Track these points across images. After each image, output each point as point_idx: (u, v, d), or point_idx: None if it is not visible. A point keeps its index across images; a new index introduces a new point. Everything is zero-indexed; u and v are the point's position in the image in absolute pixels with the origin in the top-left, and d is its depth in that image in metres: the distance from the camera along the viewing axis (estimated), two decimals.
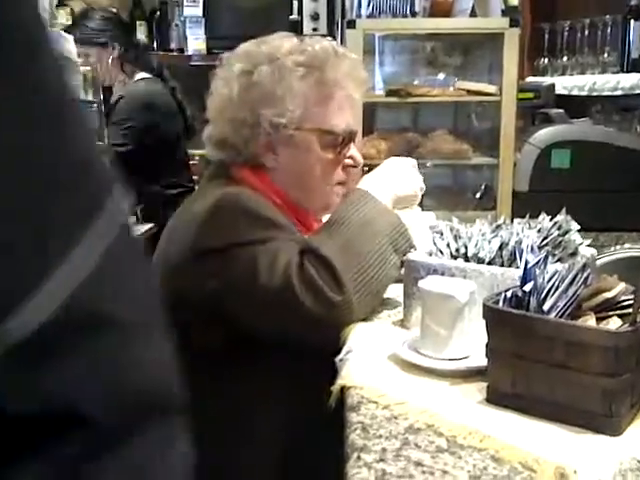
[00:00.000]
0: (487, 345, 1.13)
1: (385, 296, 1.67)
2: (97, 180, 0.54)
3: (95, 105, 2.84)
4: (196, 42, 4.74)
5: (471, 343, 1.28)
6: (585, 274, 1.14)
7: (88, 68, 2.71)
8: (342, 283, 1.44)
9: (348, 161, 1.74)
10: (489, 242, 1.43)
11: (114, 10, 3.82)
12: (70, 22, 3.79)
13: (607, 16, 3.83)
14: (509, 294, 1.13)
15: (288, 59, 1.64)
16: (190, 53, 4.77)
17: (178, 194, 3.65)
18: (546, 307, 1.10)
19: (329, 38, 1.74)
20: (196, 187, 3.79)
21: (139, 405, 0.55)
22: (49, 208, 0.49)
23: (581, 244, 1.48)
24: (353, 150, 1.75)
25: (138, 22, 4.81)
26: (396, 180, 1.66)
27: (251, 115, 1.63)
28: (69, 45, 2.46)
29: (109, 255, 0.51)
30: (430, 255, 1.49)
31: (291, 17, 4.70)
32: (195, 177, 3.98)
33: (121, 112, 3.52)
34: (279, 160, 1.67)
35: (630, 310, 1.06)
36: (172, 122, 3.71)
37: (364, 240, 1.52)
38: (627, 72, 3.76)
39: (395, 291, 1.69)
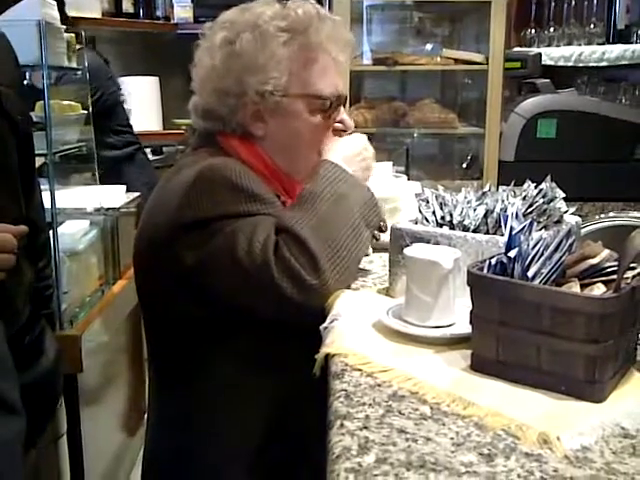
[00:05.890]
0: (472, 312, 1.13)
1: (370, 265, 1.66)
2: None
3: (79, 72, 2.80)
4: (183, 10, 4.70)
5: (456, 310, 1.28)
6: (570, 241, 1.14)
7: (72, 35, 2.67)
8: (319, 265, 1.41)
9: (338, 125, 1.72)
10: (474, 210, 1.43)
11: None
12: None
13: None
14: (494, 261, 1.13)
15: (270, 25, 1.61)
16: (176, 21, 4.73)
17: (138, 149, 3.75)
18: (530, 273, 1.09)
19: (312, 1, 1.70)
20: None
21: None
22: None
23: (566, 212, 1.48)
24: (343, 114, 1.73)
25: None
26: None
27: (236, 84, 1.61)
28: (53, 11, 2.43)
29: None
30: (415, 223, 1.49)
31: None
32: (180, 147, 3.98)
33: None
34: (268, 128, 1.65)
35: (614, 277, 1.06)
36: (111, 83, 3.73)
37: (338, 216, 1.49)
38: (613, 43, 3.78)
39: (380, 259, 1.69)
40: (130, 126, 3.99)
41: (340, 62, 1.69)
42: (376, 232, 1.65)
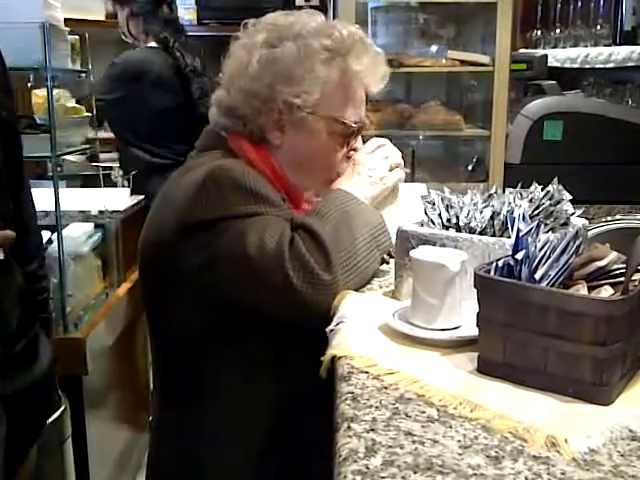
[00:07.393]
0: (478, 315, 1.12)
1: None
2: None
3: (84, 74, 2.80)
4: (186, 12, 4.70)
5: (462, 313, 1.27)
6: (577, 243, 1.13)
7: (77, 37, 2.67)
8: (332, 263, 1.43)
9: (352, 153, 1.71)
10: (481, 212, 1.43)
11: None
12: None
13: None
14: (501, 263, 1.12)
15: (315, 40, 1.61)
16: (180, 23, 4.72)
17: (169, 165, 3.66)
18: (538, 276, 1.09)
19: (357, 25, 1.70)
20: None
21: None
22: None
23: (573, 214, 1.47)
24: (359, 142, 1.73)
25: None
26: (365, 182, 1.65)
27: (266, 88, 1.60)
28: (56, 13, 2.42)
29: None
30: (422, 225, 1.48)
31: None
32: None
33: (108, 80, 3.51)
34: (285, 139, 1.64)
35: (622, 279, 1.05)
36: (164, 95, 3.65)
37: (352, 229, 1.51)
38: (619, 44, 3.75)
39: None
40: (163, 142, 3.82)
41: (371, 94, 1.70)
42: (386, 256, 1.65)
